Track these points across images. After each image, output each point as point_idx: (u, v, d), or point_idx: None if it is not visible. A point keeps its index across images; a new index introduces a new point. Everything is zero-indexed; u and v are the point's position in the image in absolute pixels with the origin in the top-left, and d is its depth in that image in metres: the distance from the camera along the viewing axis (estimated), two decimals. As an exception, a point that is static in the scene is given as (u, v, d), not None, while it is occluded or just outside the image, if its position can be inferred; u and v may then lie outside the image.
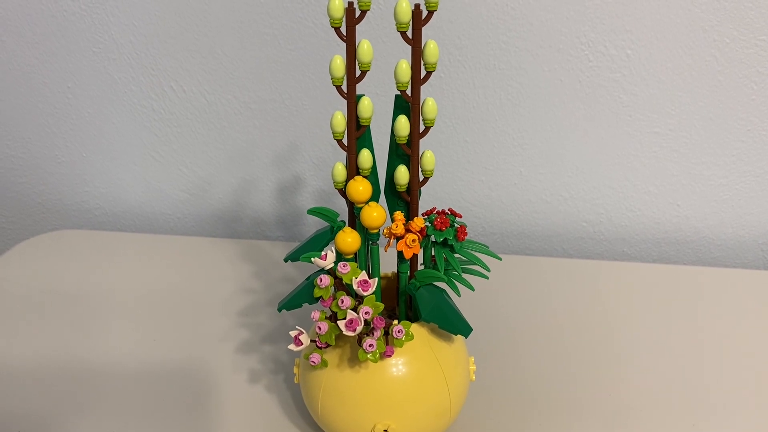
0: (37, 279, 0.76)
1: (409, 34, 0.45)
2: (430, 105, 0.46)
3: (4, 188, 0.92)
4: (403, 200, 0.50)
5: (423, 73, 0.46)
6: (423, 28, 0.45)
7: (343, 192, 0.50)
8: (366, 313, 0.45)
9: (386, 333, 0.46)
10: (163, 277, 0.77)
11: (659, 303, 0.71)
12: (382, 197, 0.51)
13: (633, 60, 0.73)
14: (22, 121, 0.87)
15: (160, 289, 0.74)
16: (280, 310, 0.50)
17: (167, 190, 0.89)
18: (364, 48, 0.44)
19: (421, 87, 0.46)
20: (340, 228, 0.50)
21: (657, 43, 0.72)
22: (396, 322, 0.46)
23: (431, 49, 0.44)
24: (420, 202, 0.50)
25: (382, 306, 0.45)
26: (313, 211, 0.51)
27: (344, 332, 0.44)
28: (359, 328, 0.44)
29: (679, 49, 0.72)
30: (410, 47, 0.45)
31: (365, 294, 0.45)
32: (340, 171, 0.49)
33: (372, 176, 0.50)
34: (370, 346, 0.45)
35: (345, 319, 0.45)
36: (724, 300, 0.72)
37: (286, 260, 0.51)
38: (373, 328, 0.45)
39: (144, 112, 0.84)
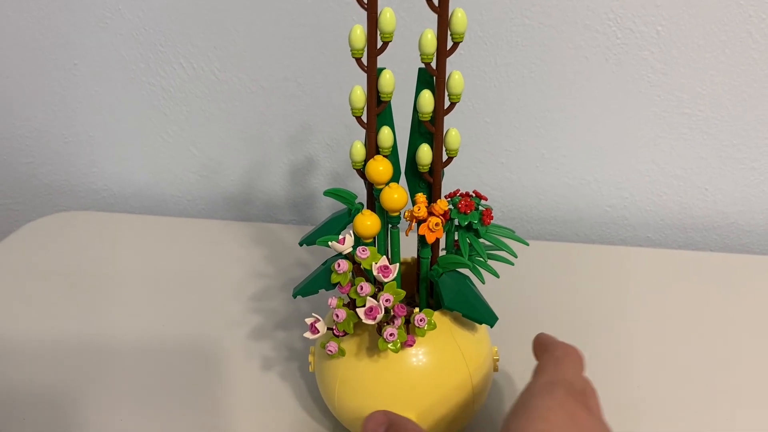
0: (44, 260, 0.74)
1: (435, 2, 0.42)
2: (456, 79, 0.43)
3: (11, 168, 0.90)
4: (425, 181, 0.48)
5: (449, 44, 0.43)
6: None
7: (361, 172, 0.47)
8: (387, 300, 0.42)
9: (407, 321, 0.44)
10: (172, 260, 0.75)
11: (685, 290, 0.68)
12: (403, 179, 0.49)
13: (663, 37, 0.70)
14: (28, 99, 0.84)
15: (169, 273, 0.72)
16: (295, 296, 0.47)
17: (177, 171, 0.86)
18: (387, 16, 0.41)
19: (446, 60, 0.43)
20: (358, 210, 0.48)
21: (689, 19, 0.69)
22: (417, 310, 0.44)
23: (459, 17, 0.41)
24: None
25: (403, 293, 0.43)
26: (329, 193, 0.49)
27: (363, 320, 0.42)
28: (380, 316, 0.42)
29: (712, 25, 0.69)
30: (436, 16, 0.42)
31: (386, 280, 0.42)
32: (359, 150, 0.46)
33: (392, 156, 0.47)
34: (390, 335, 0.42)
35: (364, 306, 0.42)
36: (753, 288, 0.69)
37: (301, 244, 0.49)
38: (394, 316, 0.43)
39: (153, 91, 0.81)
